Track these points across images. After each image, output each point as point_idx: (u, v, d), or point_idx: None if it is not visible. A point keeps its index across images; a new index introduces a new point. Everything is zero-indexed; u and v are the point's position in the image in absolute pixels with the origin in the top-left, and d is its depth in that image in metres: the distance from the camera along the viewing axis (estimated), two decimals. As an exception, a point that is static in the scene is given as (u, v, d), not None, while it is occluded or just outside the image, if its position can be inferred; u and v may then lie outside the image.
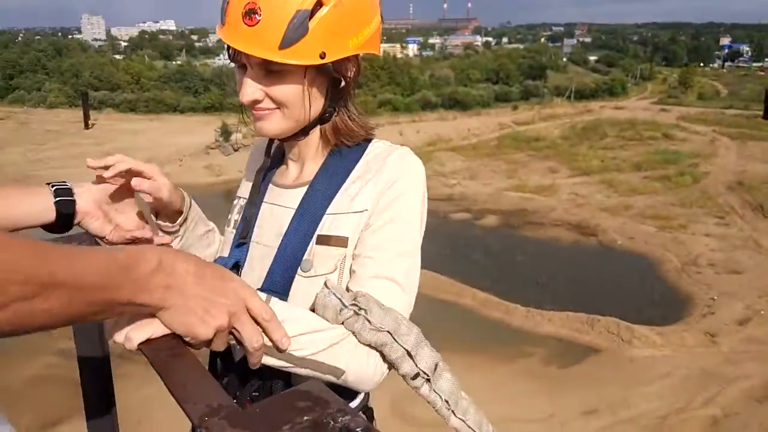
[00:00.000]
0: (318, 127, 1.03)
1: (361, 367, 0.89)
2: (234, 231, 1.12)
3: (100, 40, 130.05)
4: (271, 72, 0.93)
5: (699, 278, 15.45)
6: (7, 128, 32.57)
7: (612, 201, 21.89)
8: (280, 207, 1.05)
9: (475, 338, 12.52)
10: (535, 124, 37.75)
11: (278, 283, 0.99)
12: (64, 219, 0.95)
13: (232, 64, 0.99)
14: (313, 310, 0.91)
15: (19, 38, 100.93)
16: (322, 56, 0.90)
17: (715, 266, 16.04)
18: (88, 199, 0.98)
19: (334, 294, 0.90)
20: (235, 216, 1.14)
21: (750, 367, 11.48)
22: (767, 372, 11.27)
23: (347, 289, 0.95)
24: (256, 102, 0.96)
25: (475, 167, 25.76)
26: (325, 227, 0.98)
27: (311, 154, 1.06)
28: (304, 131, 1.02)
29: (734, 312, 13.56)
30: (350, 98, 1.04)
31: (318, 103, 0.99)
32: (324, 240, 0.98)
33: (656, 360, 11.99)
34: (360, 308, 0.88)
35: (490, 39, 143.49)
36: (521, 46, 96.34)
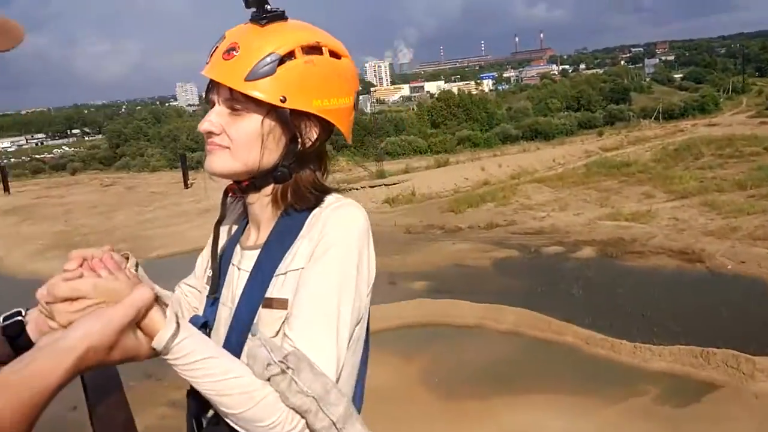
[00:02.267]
0: (271, 185, 1.04)
1: (282, 426, 0.86)
2: (207, 287, 1.13)
3: (194, 105, 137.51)
4: (234, 111, 0.98)
5: (824, 301, 14.14)
6: (116, 193, 35.21)
7: (716, 224, 20.57)
8: (240, 270, 1.07)
9: (582, 378, 11.97)
10: (623, 149, 36.43)
11: (233, 348, 0.98)
12: (18, 342, 0.93)
13: None
14: None
15: (123, 110, 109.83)
16: (282, 100, 0.95)
17: (843, 287, 14.65)
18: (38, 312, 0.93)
19: (265, 346, 0.87)
20: (208, 272, 1.15)
21: None
22: None
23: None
24: (212, 134, 0.99)
25: (564, 198, 25.07)
26: (271, 290, 0.99)
27: (266, 215, 1.06)
28: (255, 185, 1.04)
29: None
30: (309, 165, 1.05)
31: (270, 154, 1.00)
32: (268, 303, 0.99)
33: (785, 394, 10.98)
34: (288, 367, 0.85)
35: (566, 67, 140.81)
36: (600, 71, 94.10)
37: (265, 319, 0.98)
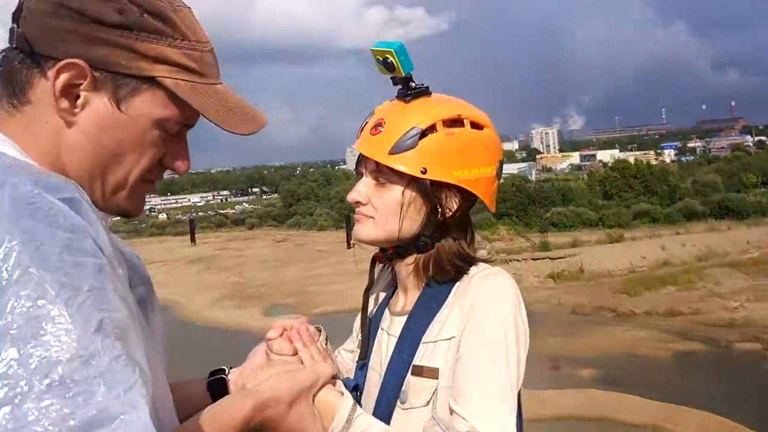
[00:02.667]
0: (414, 254, 1.06)
1: None
2: (358, 351, 1.17)
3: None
4: (379, 182, 1.04)
5: None
6: (286, 249, 37.92)
7: None
8: (390, 335, 1.09)
9: None
10: (839, 234, 31.76)
11: (383, 413, 1.01)
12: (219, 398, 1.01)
13: None
14: None
15: (298, 171, 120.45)
16: (423, 172, 1.00)
17: None
18: (239, 372, 1.04)
19: (439, 424, 0.90)
20: (359, 337, 1.18)
21: None
22: None
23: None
24: (359, 204, 1.05)
25: (761, 287, 22.18)
26: (419, 357, 1.01)
27: (411, 283, 1.09)
28: (398, 254, 1.07)
29: None
30: (451, 234, 1.06)
31: (411, 224, 1.03)
32: (418, 371, 1.00)
33: None
34: None
35: (763, 138, 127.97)
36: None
37: (415, 387, 1.00)
